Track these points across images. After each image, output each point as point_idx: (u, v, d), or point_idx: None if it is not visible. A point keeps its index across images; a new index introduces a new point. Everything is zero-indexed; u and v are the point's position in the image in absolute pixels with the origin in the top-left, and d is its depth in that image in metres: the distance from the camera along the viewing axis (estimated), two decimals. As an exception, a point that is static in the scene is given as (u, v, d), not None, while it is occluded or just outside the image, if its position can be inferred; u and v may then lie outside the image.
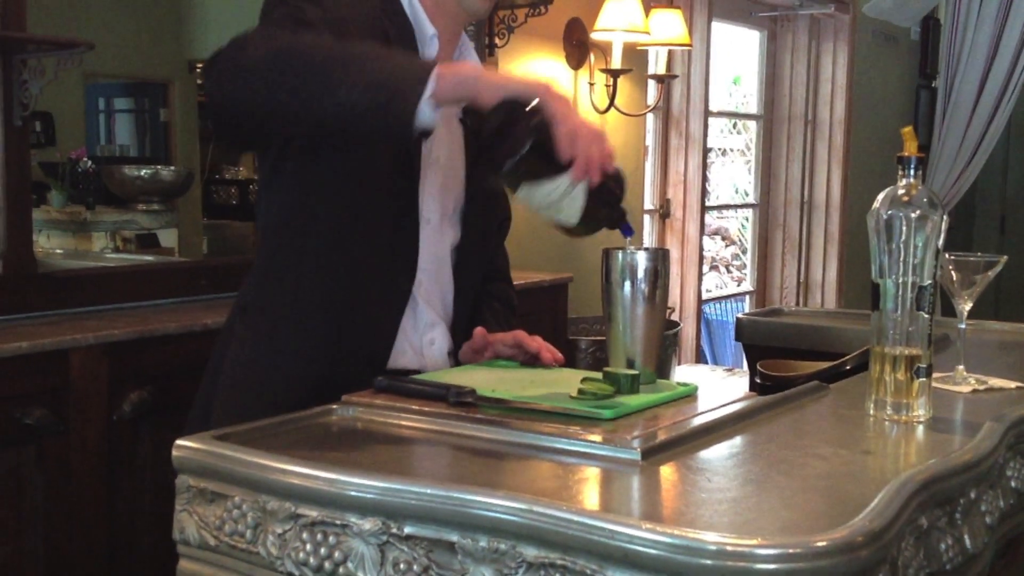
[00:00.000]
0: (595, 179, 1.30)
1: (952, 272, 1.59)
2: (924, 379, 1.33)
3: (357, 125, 1.30)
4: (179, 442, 1.14)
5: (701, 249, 4.77)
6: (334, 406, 1.33)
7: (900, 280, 1.32)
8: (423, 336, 1.59)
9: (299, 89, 1.29)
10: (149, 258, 2.94)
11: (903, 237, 1.31)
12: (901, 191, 1.33)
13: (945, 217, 1.34)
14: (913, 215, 1.31)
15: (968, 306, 1.60)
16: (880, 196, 1.34)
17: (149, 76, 3.14)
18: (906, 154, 1.34)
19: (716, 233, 5.97)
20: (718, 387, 1.47)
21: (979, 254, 1.60)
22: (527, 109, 1.28)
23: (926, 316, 1.32)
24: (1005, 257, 1.60)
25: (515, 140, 1.28)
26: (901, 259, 1.32)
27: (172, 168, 3.15)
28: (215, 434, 1.17)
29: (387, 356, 1.54)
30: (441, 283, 1.62)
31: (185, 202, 3.13)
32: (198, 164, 3.18)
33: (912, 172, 1.34)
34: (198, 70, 3.20)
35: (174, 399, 2.24)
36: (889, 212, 1.32)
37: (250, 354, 1.54)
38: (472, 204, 1.64)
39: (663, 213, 4.76)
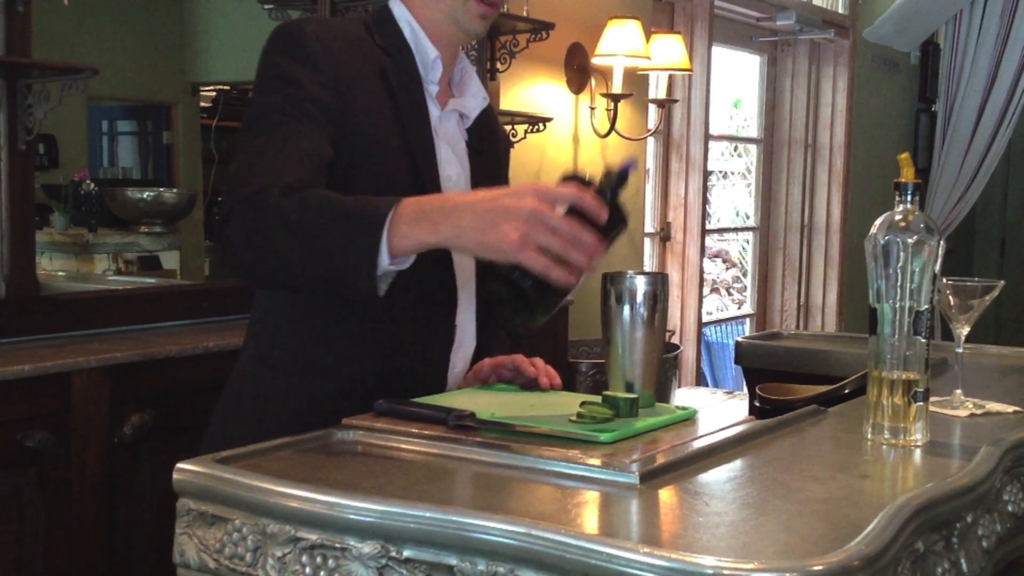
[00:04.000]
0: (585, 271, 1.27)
1: (950, 297, 1.59)
2: (921, 403, 1.34)
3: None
4: (180, 465, 1.15)
5: (701, 272, 4.78)
6: (334, 429, 1.33)
7: (897, 305, 1.33)
8: (457, 358, 1.60)
9: (295, 270, 1.36)
10: (151, 281, 2.96)
11: (900, 262, 1.32)
12: (898, 216, 1.34)
13: (942, 242, 1.35)
14: (910, 240, 1.32)
15: (966, 330, 1.61)
16: (877, 221, 1.35)
17: (152, 99, 3.16)
18: (903, 180, 1.35)
19: (717, 256, 5.98)
20: (717, 410, 1.48)
21: (976, 279, 1.61)
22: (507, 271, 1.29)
23: (923, 341, 1.33)
24: (1002, 282, 1.60)
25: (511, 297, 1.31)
26: (898, 284, 1.33)
27: (175, 190, 3.17)
28: (216, 457, 1.17)
29: (443, 389, 1.56)
30: (471, 301, 1.62)
31: (187, 224, 3.14)
32: (200, 186, 3.20)
33: (909, 198, 1.35)
34: (201, 92, 3.22)
35: (175, 422, 2.25)
36: (886, 237, 1.33)
37: (283, 409, 1.51)
38: None
39: (664, 236, 4.78)
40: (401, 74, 1.55)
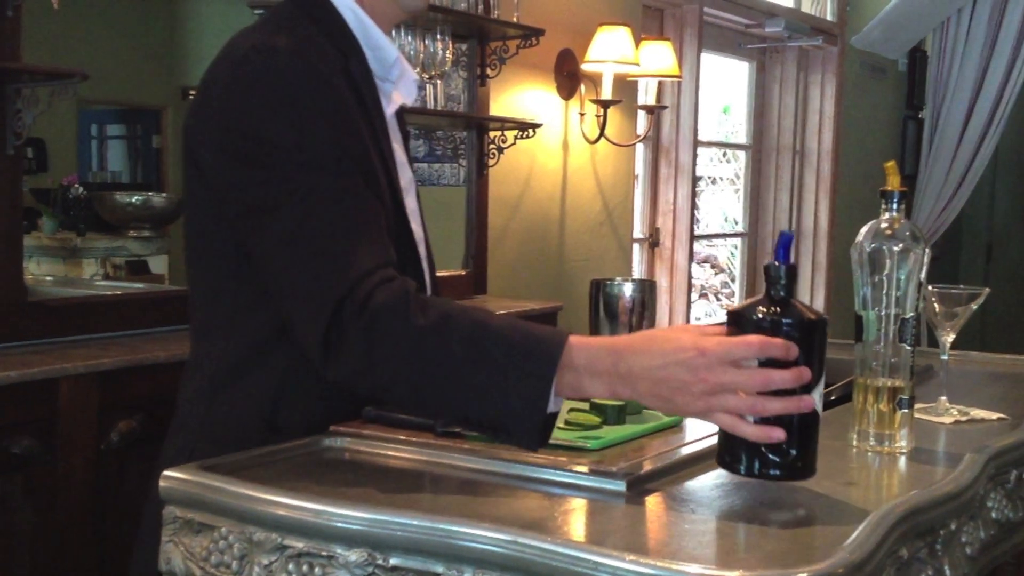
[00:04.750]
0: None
1: (935, 304, 1.60)
2: (907, 410, 1.35)
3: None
4: (166, 472, 1.15)
5: (690, 277, 4.79)
6: (322, 437, 1.33)
7: (883, 312, 1.34)
8: None
9: (430, 405, 1.23)
10: (139, 286, 2.95)
11: (886, 270, 1.33)
12: (884, 224, 1.35)
13: (927, 250, 1.36)
14: (896, 248, 1.33)
15: (951, 337, 1.62)
16: (863, 229, 1.36)
17: (142, 103, 3.15)
18: (889, 188, 1.36)
19: (706, 261, 5.99)
20: (705, 417, 1.48)
21: (962, 286, 1.62)
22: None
23: (908, 348, 1.34)
24: (987, 289, 1.61)
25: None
26: (884, 292, 1.33)
27: (164, 195, 3.16)
28: (202, 464, 1.17)
29: None
30: None
31: (176, 229, 3.13)
32: (189, 191, 3.19)
33: (895, 206, 1.36)
34: (191, 97, 3.22)
35: (163, 429, 2.24)
36: (872, 245, 1.34)
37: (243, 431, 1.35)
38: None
39: (652, 242, 4.79)
40: (364, 78, 1.38)
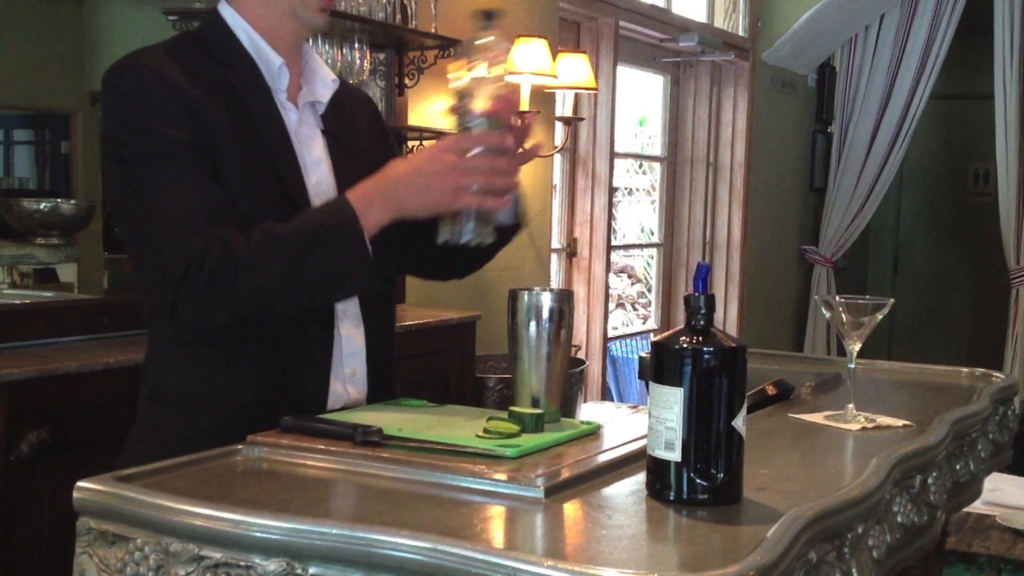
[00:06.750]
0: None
1: (843, 314, 1.65)
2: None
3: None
4: (80, 484, 1.13)
5: (607, 288, 4.84)
6: (239, 446, 1.32)
7: None
8: (346, 368, 1.58)
9: (291, 297, 1.44)
10: (48, 294, 2.88)
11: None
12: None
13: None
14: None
15: (857, 346, 1.67)
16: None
17: (50, 108, 3.09)
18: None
19: (623, 271, 6.06)
20: (621, 425, 1.51)
21: (868, 297, 1.67)
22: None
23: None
24: (892, 300, 1.67)
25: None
26: None
27: (72, 201, 3.09)
28: (117, 475, 1.16)
29: (325, 403, 1.54)
30: (353, 310, 1.59)
31: (86, 236, 3.07)
32: (99, 197, 3.13)
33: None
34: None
35: (74, 439, 2.20)
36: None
37: (170, 444, 1.41)
38: None
39: (570, 252, 4.83)
40: (249, 87, 1.53)
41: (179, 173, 1.43)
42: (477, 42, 1.46)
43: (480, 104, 1.44)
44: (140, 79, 1.46)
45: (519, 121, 1.53)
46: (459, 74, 1.46)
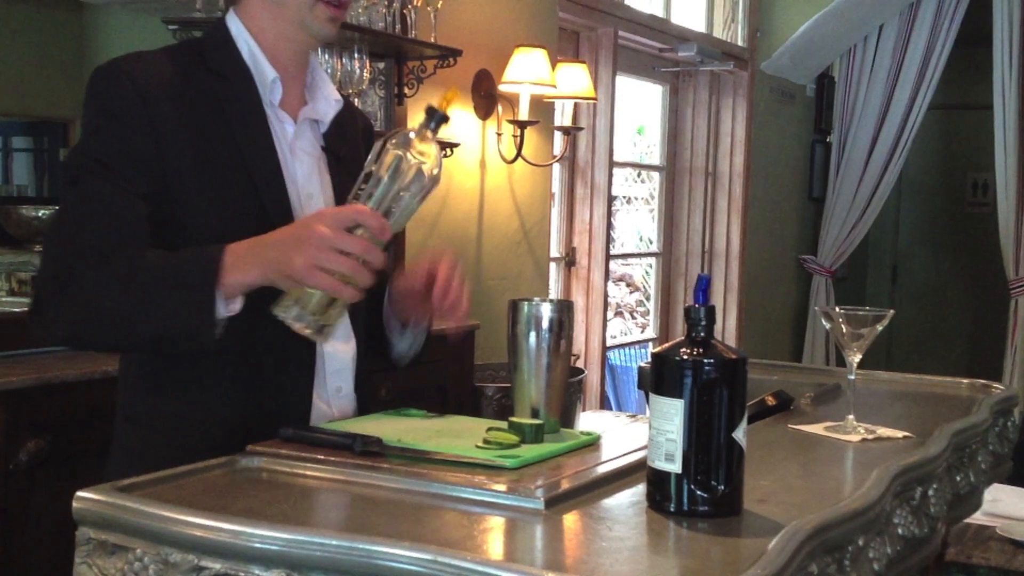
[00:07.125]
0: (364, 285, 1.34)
1: (842, 325, 1.65)
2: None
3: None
4: (80, 493, 1.13)
5: (606, 297, 4.84)
6: (239, 456, 1.32)
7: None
8: (331, 386, 1.59)
9: (129, 330, 1.39)
10: (47, 302, 2.88)
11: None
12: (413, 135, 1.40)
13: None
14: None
15: (857, 358, 1.66)
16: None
17: (49, 115, 3.09)
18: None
19: (621, 280, 6.06)
20: (620, 434, 1.51)
21: (868, 308, 1.67)
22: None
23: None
24: (892, 311, 1.67)
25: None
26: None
27: (72, 210, 3.09)
28: (116, 485, 1.15)
29: (308, 422, 1.52)
30: (342, 326, 1.56)
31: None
32: (99, 206, 3.13)
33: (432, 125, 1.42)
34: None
35: (73, 448, 2.19)
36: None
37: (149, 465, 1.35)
38: None
39: (569, 261, 4.83)
40: (236, 98, 1.51)
41: (104, 183, 1.42)
42: (411, 135, 1.38)
43: (385, 169, 1.36)
44: (109, 82, 1.46)
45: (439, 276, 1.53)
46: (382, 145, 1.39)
